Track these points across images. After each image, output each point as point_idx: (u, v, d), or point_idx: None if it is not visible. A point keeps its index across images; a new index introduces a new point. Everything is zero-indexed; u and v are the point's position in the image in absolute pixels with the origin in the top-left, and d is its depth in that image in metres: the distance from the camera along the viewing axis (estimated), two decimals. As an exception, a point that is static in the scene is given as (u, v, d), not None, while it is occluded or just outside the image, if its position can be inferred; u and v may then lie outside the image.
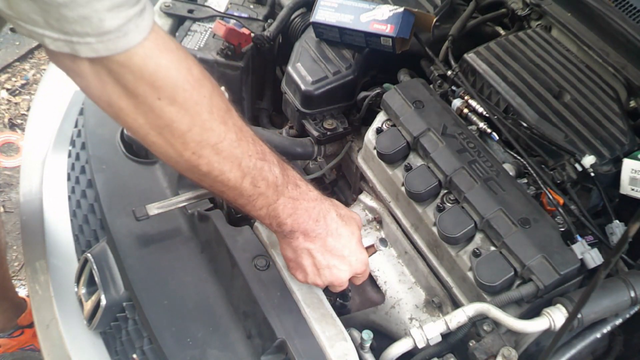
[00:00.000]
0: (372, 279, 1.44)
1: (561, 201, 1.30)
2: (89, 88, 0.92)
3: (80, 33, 0.82)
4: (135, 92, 0.89)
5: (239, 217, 1.34)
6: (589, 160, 1.33)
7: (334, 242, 1.13)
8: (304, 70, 1.56)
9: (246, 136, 1.01)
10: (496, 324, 1.16)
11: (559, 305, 1.16)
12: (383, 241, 1.30)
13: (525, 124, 1.40)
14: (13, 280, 2.29)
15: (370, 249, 1.33)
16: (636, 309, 1.26)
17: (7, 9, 0.81)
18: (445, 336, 1.17)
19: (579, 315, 1.15)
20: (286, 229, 1.09)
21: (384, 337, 1.36)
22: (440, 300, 1.34)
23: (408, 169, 1.37)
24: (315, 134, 1.57)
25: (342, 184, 1.73)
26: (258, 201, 1.05)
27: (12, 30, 3.26)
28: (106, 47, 0.84)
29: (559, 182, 1.35)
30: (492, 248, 1.24)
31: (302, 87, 1.54)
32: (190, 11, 1.74)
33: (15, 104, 3.27)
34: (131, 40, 0.85)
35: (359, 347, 1.17)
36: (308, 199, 1.10)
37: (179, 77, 0.91)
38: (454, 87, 1.52)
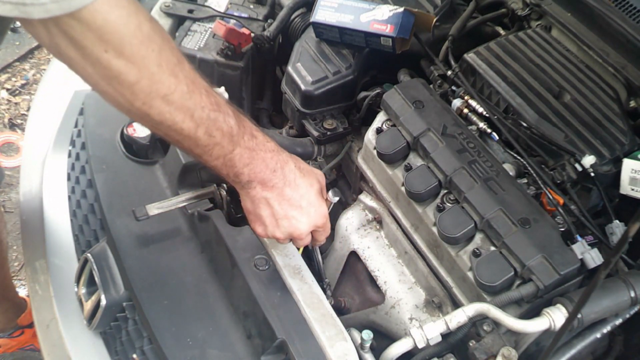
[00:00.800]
0: (372, 279, 1.44)
1: (561, 201, 1.30)
2: (39, 37, 0.92)
3: None
4: (82, 43, 0.90)
5: (239, 217, 1.34)
6: (589, 160, 1.33)
7: (291, 192, 1.14)
8: (304, 70, 1.56)
9: (199, 88, 1.02)
10: (496, 324, 1.16)
11: (559, 305, 1.16)
12: (335, 191, 1.30)
13: (525, 124, 1.40)
14: (13, 280, 2.29)
15: (326, 202, 1.33)
16: (636, 309, 1.26)
17: None
18: (445, 336, 1.17)
19: (579, 315, 1.15)
20: (243, 178, 1.11)
21: (384, 337, 1.36)
22: (440, 300, 1.34)
23: (408, 169, 1.37)
24: (315, 134, 1.57)
25: (342, 184, 1.73)
26: (214, 151, 1.06)
27: (12, 30, 3.26)
28: (60, 7, 0.84)
29: (559, 182, 1.35)
30: (492, 248, 1.24)
31: (302, 87, 1.54)
32: (190, 11, 1.74)
33: (15, 104, 3.27)
34: None
35: (359, 347, 1.17)
36: (265, 150, 1.11)
37: (126, 32, 0.91)
38: (454, 87, 1.52)
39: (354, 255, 1.50)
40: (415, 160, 1.38)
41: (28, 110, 3.00)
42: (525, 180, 1.36)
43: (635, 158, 1.33)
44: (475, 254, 1.23)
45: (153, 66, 0.95)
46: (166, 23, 1.72)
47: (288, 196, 1.14)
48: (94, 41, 0.90)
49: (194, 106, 1.01)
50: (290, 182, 1.14)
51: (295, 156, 1.19)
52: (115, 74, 0.93)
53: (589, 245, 1.24)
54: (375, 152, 1.43)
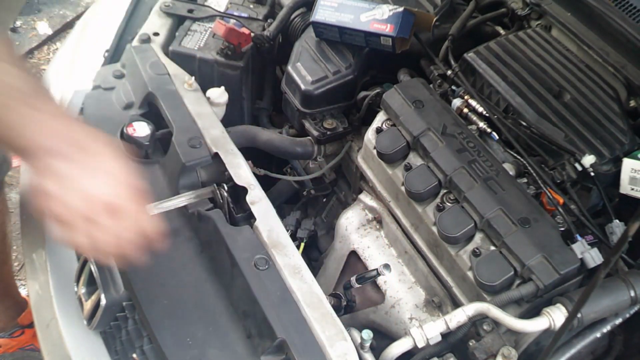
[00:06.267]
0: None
1: (561, 201, 1.30)
2: None
3: None
4: None
5: (239, 217, 1.34)
6: (588, 159, 1.33)
7: (70, 164, 0.95)
8: (304, 70, 1.56)
9: None
10: (496, 323, 1.16)
11: (558, 305, 1.16)
12: (387, 267, 1.29)
13: (525, 124, 1.40)
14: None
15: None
16: (636, 308, 1.26)
17: None
18: (445, 336, 1.17)
19: (579, 315, 1.15)
20: (20, 143, 0.94)
21: (384, 337, 1.36)
22: (440, 300, 1.34)
23: (408, 168, 1.37)
24: (315, 133, 1.57)
25: (342, 184, 1.73)
26: None
27: (12, 30, 3.26)
28: None
29: (558, 181, 1.35)
30: (492, 248, 1.24)
31: (302, 86, 1.55)
32: (190, 11, 1.74)
33: (15, 103, 3.26)
34: None
35: (359, 346, 1.17)
36: (45, 112, 0.96)
37: None
38: (453, 87, 1.52)
39: (354, 255, 1.50)
40: (415, 159, 1.38)
41: (28, 110, 2.98)
42: (525, 180, 1.36)
43: (635, 157, 1.33)
44: (475, 253, 1.23)
45: None
46: (166, 23, 1.72)
47: (70, 167, 0.95)
48: None
49: None
50: (71, 152, 0.95)
51: (80, 123, 1.03)
52: None
53: (588, 244, 1.24)
54: (375, 151, 1.43)
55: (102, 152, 0.98)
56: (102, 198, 0.96)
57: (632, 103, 1.50)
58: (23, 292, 2.31)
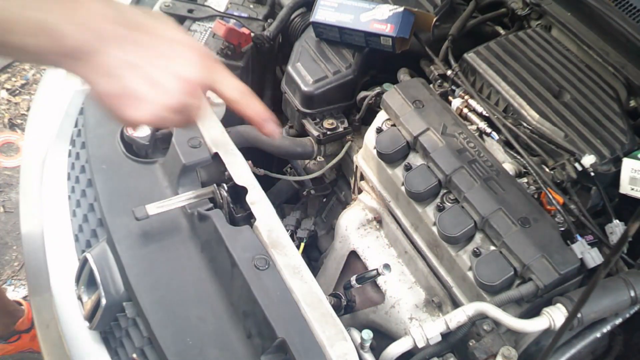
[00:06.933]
0: (372, 279, 1.44)
1: (561, 201, 1.30)
2: None
3: None
4: None
5: (239, 217, 1.34)
6: (588, 159, 1.33)
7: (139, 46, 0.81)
8: (304, 70, 1.57)
9: None
10: (496, 323, 1.16)
11: (558, 305, 1.16)
12: (387, 267, 1.29)
13: (525, 124, 1.40)
14: (13, 280, 2.29)
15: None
16: (636, 308, 1.26)
17: None
18: (445, 336, 1.17)
19: (579, 315, 1.15)
20: (68, 43, 0.76)
21: (384, 337, 1.36)
22: (440, 300, 1.34)
23: (408, 168, 1.37)
24: (316, 133, 1.57)
25: (342, 184, 1.73)
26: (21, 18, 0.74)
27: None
28: None
29: (558, 181, 1.35)
30: (492, 247, 1.24)
31: (302, 86, 1.55)
32: (190, 11, 1.74)
33: (15, 104, 3.27)
34: None
35: (359, 346, 1.17)
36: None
37: None
38: (453, 87, 1.52)
39: (353, 255, 1.50)
40: (415, 159, 1.38)
41: (28, 110, 3.00)
42: (525, 180, 1.36)
43: (635, 157, 1.33)
44: (475, 253, 1.23)
45: None
46: (166, 23, 1.72)
47: (137, 53, 0.81)
48: None
49: None
50: (128, 34, 0.81)
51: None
52: None
53: (588, 244, 1.24)
54: (375, 151, 1.43)
55: (164, 26, 0.82)
56: (195, 77, 0.85)
57: (632, 103, 1.50)
58: (23, 292, 2.31)
